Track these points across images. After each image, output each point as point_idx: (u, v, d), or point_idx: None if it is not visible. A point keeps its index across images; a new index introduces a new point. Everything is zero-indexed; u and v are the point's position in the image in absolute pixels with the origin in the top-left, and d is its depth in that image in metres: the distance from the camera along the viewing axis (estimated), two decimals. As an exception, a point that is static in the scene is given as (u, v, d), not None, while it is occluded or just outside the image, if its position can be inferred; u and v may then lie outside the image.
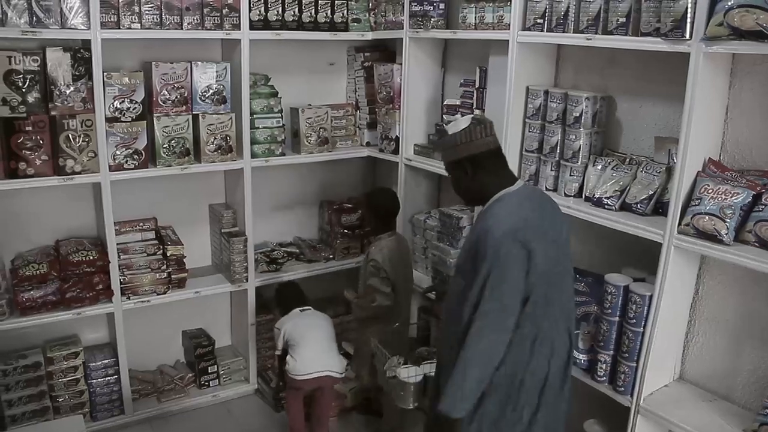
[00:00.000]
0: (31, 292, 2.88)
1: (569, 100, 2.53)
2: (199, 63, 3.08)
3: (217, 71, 3.12)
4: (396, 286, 3.02)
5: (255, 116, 3.28)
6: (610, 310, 2.35)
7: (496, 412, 2.01)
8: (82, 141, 2.83)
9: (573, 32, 2.43)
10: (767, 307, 2.19)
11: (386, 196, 3.22)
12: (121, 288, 3.09)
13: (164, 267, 3.19)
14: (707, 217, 2.04)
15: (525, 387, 2.00)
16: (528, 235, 1.91)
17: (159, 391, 3.42)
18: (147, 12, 2.87)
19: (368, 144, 3.73)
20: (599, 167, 2.49)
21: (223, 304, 3.74)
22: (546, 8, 2.51)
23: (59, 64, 2.73)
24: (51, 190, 2.95)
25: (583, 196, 2.54)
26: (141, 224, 3.23)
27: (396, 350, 2.69)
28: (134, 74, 2.93)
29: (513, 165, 2.38)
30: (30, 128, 2.71)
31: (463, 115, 2.84)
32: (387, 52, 3.71)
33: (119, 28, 2.83)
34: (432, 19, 3.11)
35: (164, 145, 3.05)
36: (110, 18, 2.79)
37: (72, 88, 2.78)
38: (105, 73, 2.83)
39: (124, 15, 2.83)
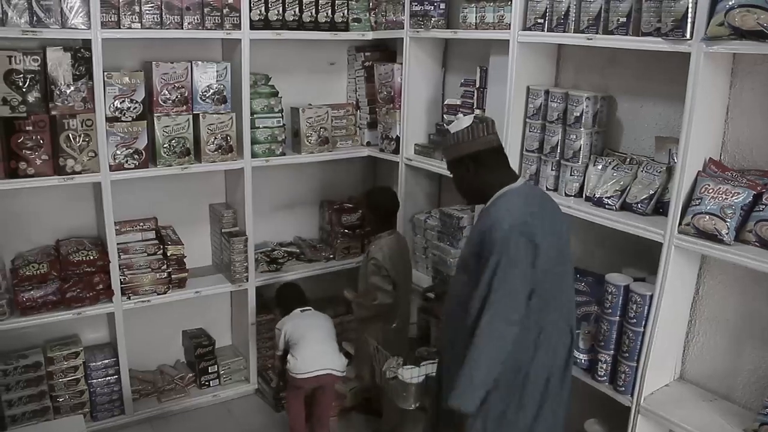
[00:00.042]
0: (32, 292, 2.88)
1: (570, 99, 2.53)
2: (200, 63, 3.08)
3: (217, 71, 3.12)
4: (397, 284, 3.03)
5: (255, 116, 3.28)
6: (610, 310, 2.35)
7: (500, 407, 2.03)
8: (83, 141, 2.83)
9: (573, 32, 2.42)
10: (767, 307, 2.20)
11: (385, 195, 3.22)
12: (121, 288, 3.09)
13: (164, 267, 3.19)
14: (708, 217, 2.04)
15: (529, 382, 2.02)
16: (534, 229, 1.94)
17: (159, 391, 3.42)
18: (147, 12, 2.87)
19: (369, 144, 3.73)
20: (600, 167, 2.49)
21: (224, 304, 3.74)
22: (546, 8, 2.50)
23: (59, 64, 2.73)
24: (51, 189, 2.95)
25: (584, 195, 2.54)
26: (141, 224, 3.23)
27: (395, 350, 2.70)
28: (135, 74, 2.93)
29: (514, 165, 2.38)
30: (30, 128, 2.71)
31: (464, 115, 2.84)
32: (387, 51, 3.71)
33: (120, 28, 2.83)
34: (432, 19, 3.11)
35: (164, 145, 3.05)
36: (111, 18, 2.79)
37: (72, 88, 2.78)
38: (105, 73, 2.83)
39: (125, 15, 2.83)
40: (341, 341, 3.22)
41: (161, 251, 3.21)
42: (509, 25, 2.66)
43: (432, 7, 3.10)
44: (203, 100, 3.12)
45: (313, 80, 3.72)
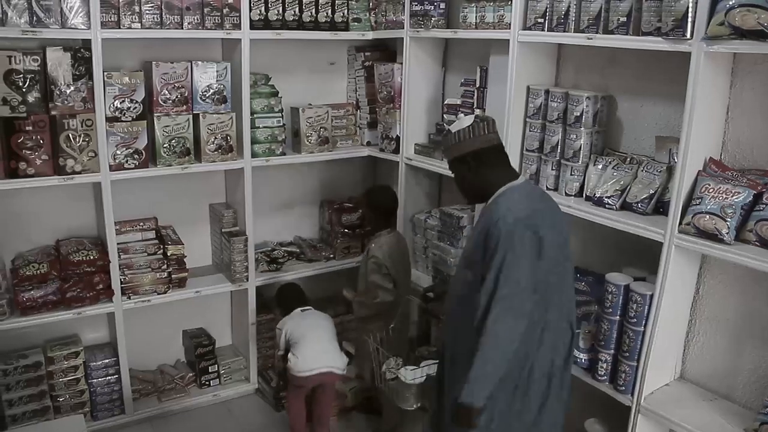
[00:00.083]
0: (32, 292, 2.88)
1: (570, 99, 2.53)
2: (200, 62, 3.08)
3: (217, 71, 3.12)
4: (397, 281, 3.03)
5: (255, 116, 3.28)
6: (610, 310, 2.35)
7: (506, 400, 2.04)
8: (83, 141, 2.83)
9: (574, 32, 2.42)
10: (767, 307, 2.19)
11: (385, 194, 3.23)
12: (121, 288, 3.09)
13: (165, 266, 3.19)
14: (708, 217, 2.04)
15: (534, 376, 2.04)
16: (539, 221, 1.97)
17: (159, 390, 3.42)
18: (147, 12, 2.87)
19: (369, 143, 3.73)
20: (600, 167, 2.49)
21: (224, 304, 3.74)
22: (547, 8, 2.50)
23: (59, 64, 2.73)
24: (51, 189, 2.95)
25: (584, 195, 2.54)
26: (141, 224, 3.23)
27: (395, 350, 2.70)
28: (134, 74, 2.93)
29: (514, 164, 2.38)
30: (30, 128, 2.71)
31: (465, 115, 2.85)
32: (387, 51, 3.71)
33: (119, 28, 2.83)
34: (432, 19, 3.11)
35: (164, 145, 3.05)
36: (110, 18, 2.79)
37: (72, 88, 2.78)
38: (105, 73, 2.83)
39: (125, 15, 2.82)
40: (342, 341, 3.22)
41: (161, 251, 3.21)
42: (509, 24, 2.66)
43: (432, 7, 3.10)
44: (203, 100, 3.12)
45: (313, 80, 3.72)
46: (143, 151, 2.99)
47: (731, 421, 2.17)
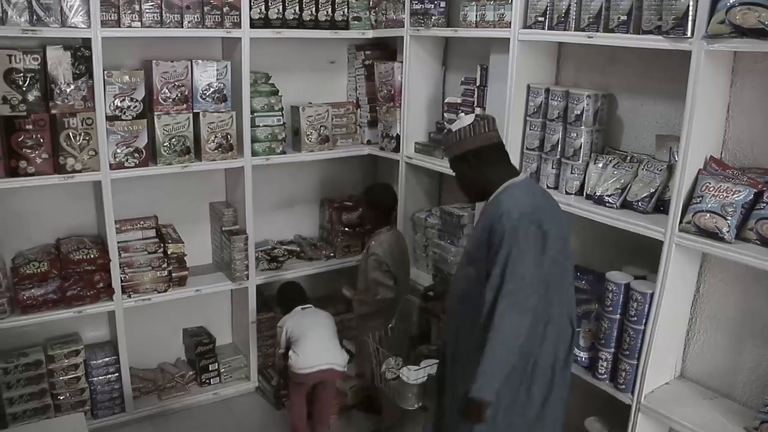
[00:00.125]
0: (32, 291, 2.88)
1: (570, 98, 2.53)
2: (200, 61, 3.08)
3: (217, 69, 3.12)
4: (397, 279, 3.04)
5: (255, 114, 3.28)
6: (611, 308, 2.35)
7: (511, 395, 2.05)
8: (83, 139, 2.83)
9: (574, 30, 2.42)
10: (768, 305, 2.20)
11: (384, 192, 3.23)
12: (121, 286, 3.09)
13: (165, 265, 3.19)
14: (708, 215, 2.04)
15: (537, 370, 2.05)
16: (542, 216, 1.98)
17: (160, 388, 3.43)
18: (147, 10, 2.87)
19: (369, 142, 3.73)
20: (600, 165, 2.49)
21: (224, 302, 3.74)
22: (547, 6, 2.50)
23: (59, 63, 2.73)
24: (51, 188, 2.95)
25: (584, 194, 2.54)
26: (142, 222, 3.23)
27: (395, 348, 2.70)
28: (135, 72, 2.93)
29: (514, 163, 2.38)
30: (30, 127, 2.71)
31: (465, 114, 2.85)
32: (388, 50, 3.71)
33: (120, 27, 2.82)
34: (433, 17, 3.11)
35: (165, 144, 3.05)
36: (110, 16, 2.79)
37: (72, 87, 2.78)
38: (105, 72, 2.83)
39: (125, 13, 2.82)
40: (342, 339, 3.22)
41: (162, 250, 3.21)
42: (509, 23, 2.66)
43: (432, 6, 3.10)
44: (203, 99, 3.12)
45: (314, 79, 3.72)
46: (143, 150, 2.99)
47: (731, 420, 2.17)
